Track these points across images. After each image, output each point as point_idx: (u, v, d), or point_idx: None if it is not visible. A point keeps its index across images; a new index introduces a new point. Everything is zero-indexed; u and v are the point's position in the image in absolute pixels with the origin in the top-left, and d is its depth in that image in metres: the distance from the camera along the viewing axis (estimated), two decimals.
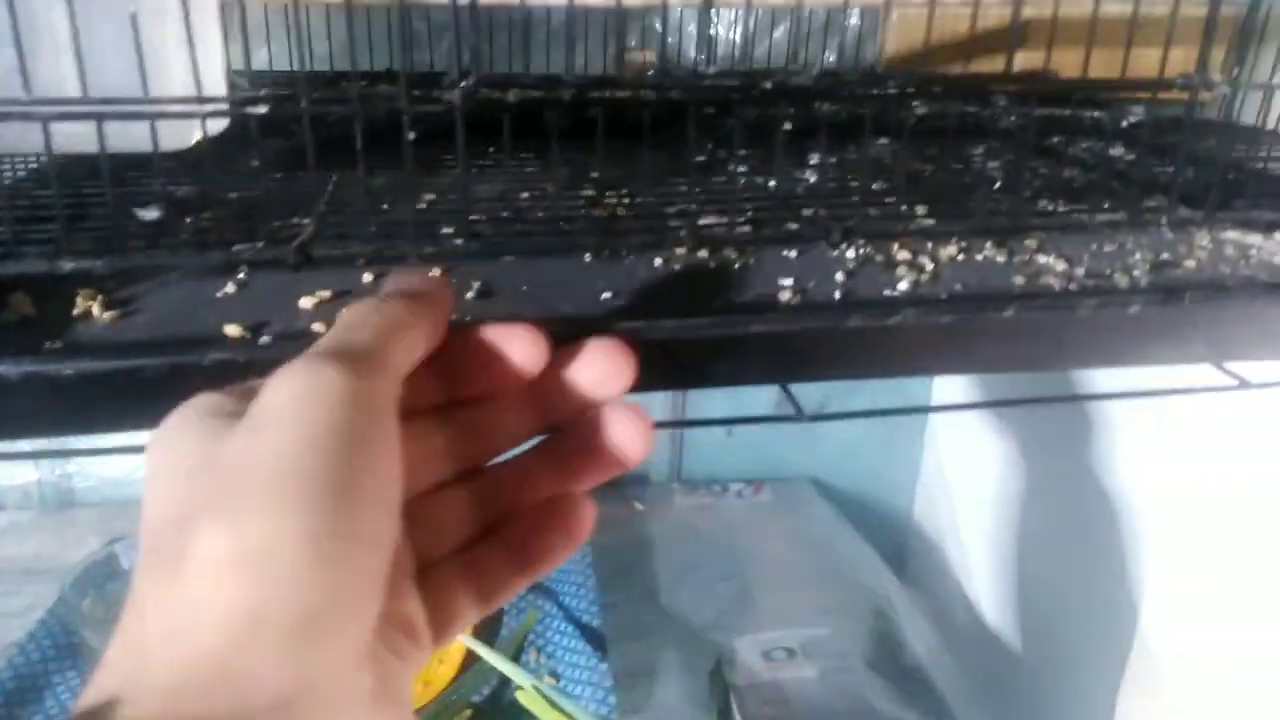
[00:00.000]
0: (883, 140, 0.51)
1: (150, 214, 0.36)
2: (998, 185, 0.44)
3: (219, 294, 0.34)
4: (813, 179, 0.44)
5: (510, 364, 0.27)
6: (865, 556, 1.05)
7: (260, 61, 0.70)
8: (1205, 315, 0.36)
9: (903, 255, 0.39)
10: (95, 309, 0.33)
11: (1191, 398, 0.75)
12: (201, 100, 0.29)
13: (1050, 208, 0.41)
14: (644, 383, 0.31)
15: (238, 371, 0.29)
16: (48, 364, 0.29)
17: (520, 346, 0.27)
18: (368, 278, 0.36)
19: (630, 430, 0.28)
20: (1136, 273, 0.38)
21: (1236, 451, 0.71)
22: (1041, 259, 0.40)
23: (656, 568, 1.02)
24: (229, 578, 0.20)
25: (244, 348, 0.30)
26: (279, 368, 0.23)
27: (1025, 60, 0.64)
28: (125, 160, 0.35)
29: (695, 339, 0.32)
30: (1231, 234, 0.44)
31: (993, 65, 0.66)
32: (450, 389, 0.28)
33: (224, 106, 0.31)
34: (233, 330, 0.31)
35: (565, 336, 0.29)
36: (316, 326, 0.32)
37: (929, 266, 0.38)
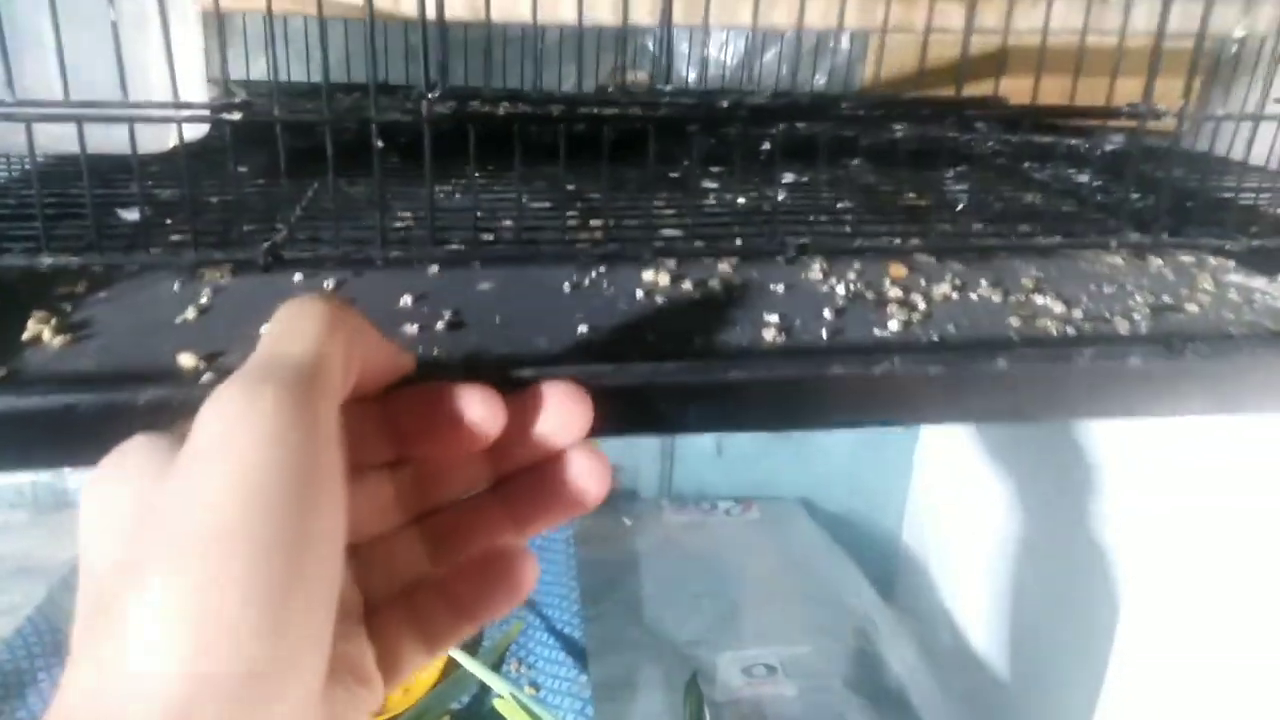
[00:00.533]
0: (856, 161, 0.53)
1: (131, 215, 0.37)
2: (960, 207, 0.45)
3: (178, 319, 0.33)
4: (781, 196, 0.45)
5: (464, 428, 0.25)
6: (851, 577, 1.06)
7: (259, 72, 0.72)
8: (1208, 367, 0.34)
9: (894, 293, 0.38)
10: (46, 333, 0.31)
11: (1175, 427, 0.75)
12: (178, 106, 0.30)
13: (1009, 229, 0.42)
14: (618, 427, 0.30)
15: (177, 410, 0.28)
16: None
17: (475, 412, 0.25)
18: (329, 284, 0.36)
19: (587, 473, 0.27)
20: (1137, 316, 0.37)
21: (1218, 479, 0.72)
22: (1039, 300, 0.38)
23: (642, 582, 1.02)
24: (170, 639, 0.18)
25: (183, 384, 0.29)
26: (215, 389, 0.21)
27: (1004, 87, 0.65)
28: (113, 162, 0.36)
29: (669, 385, 0.31)
30: (1235, 277, 0.43)
31: (974, 89, 0.67)
32: (401, 447, 0.26)
33: (201, 112, 0.32)
34: (186, 360, 0.30)
35: (527, 384, 0.27)
36: None
37: (921, 305, 0.37)
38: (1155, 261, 0.44)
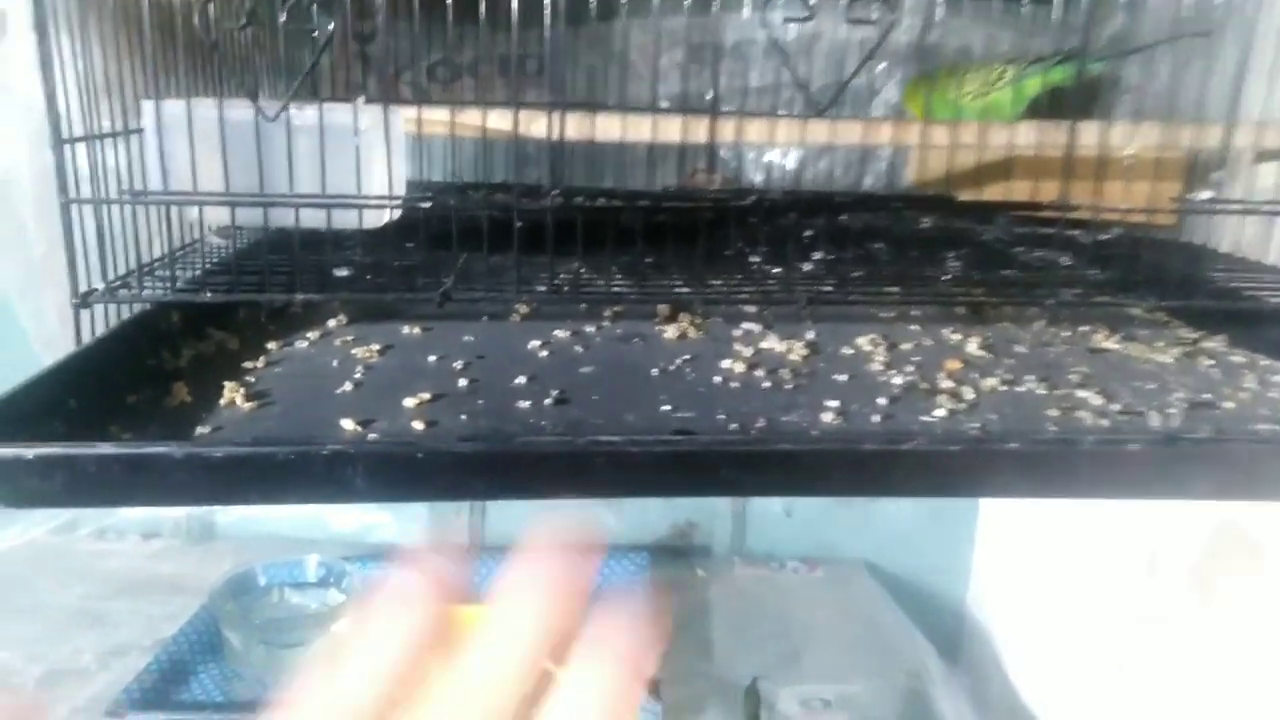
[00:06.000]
0: (879, 245, 0.65)
1: (342, 272, 0.53)
2: (946, 278, 0.57)
3: (338, 391, 0.41)
4: (808, 268, 0.58)
5: None
6: (907, 630, 1.13)
7: (436, 173, 0.89)
8: (1206, 454, 0.35)
9: (946, 384, 0.41)
10: (239, 399, 0.40)
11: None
12: (390, 198, 0.46)
13: (974, 295, 0.53)
14: (688, 488, 0.36)
15: (349, 461, 0.34)
16: (202, 446, 0.34)
17: None
18: (458, 364, 0.46)
19: None
20: (1172, 410, 0.38)
21: None
22: (1080, 394, 0.40)
23: (712, 626, 1.12)
24: None
25: (354, 441, 0.36)
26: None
27: (1017, 188, 0.78)
28: (322, 238, 0.51)
29: (730, 454, 0.35)
30: None
31: (991, 189, 0.80)
32: None
33: (400, 202, 0.47)
34: (347, 424, 0.37)
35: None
36: (416, 424, 0.38)
37: (969, 396, 0.40)
38: (1205, 361, 0.46)
